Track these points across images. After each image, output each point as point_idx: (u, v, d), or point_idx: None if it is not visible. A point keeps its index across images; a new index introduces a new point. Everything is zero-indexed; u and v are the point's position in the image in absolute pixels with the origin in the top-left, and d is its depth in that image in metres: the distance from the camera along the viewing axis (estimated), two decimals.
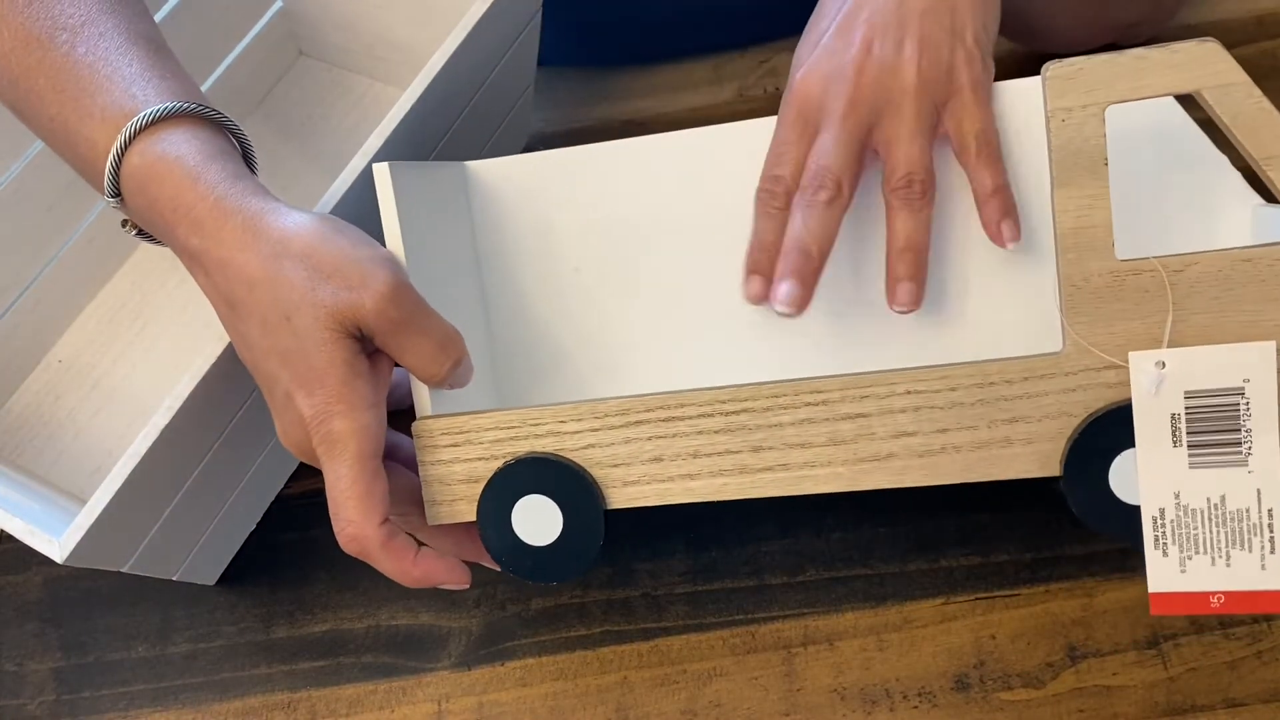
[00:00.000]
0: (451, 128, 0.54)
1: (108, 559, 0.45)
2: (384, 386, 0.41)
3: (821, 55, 0.44)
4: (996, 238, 0.44)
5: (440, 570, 0.42)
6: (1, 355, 0.59)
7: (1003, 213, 0.44)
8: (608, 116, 0.66)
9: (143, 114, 0.40)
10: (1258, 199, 0.45)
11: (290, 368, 0.39)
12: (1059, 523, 0.51)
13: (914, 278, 0.44)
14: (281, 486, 0.57)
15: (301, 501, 0.56)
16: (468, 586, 0.43)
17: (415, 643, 0.52)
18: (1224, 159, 0.45)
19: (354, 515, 0.39)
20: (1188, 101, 0.40)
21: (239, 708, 0.52)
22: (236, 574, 0.55)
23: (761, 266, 0.45)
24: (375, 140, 0.48)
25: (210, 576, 0.54)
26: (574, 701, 0.50)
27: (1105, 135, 0.37)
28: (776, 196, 0.45)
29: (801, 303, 0.43)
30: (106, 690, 0.53)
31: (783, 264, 0.43)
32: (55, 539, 0.42)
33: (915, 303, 0.44)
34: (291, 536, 0.56)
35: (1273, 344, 0.37)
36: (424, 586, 0.42)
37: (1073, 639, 0.48)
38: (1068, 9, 0.56)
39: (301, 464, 0.57)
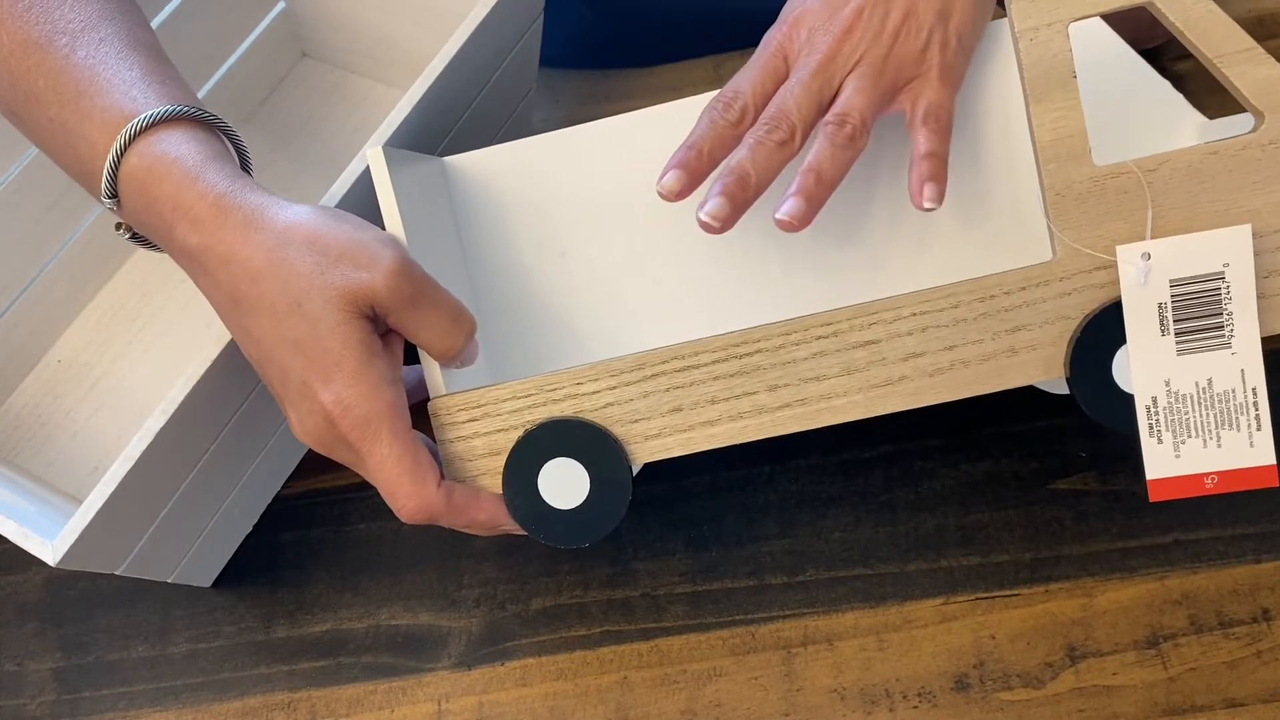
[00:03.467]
0: (453, 129, 0.54)
1: (101, 562, 0.44)
2: (398, 365, 0.42)
3: (817, 5, 0.46)
4: (916, 196, 0.44)
5: (502, 510, 0.43)
6: (0, 355, 0.59)
7: (930, 175, 0.44)
8: (608, 116, 0.66)
9: (143, 116, 0.40)
10: (1201, 116, 0.47)
11: (304, 356, 0.39)
12: (1059, 523, 0.51)
13: (810, 199, 0.43)
14: (279, 488, 0.57)
15: (301, 502, 0.56)
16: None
17: (415, 643, 0.52)
18: (1166, 83, 0.47)
19: (411, 488, 0.40)
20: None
21: (239, 708, 0.52)
22: (236, 574, 0.55)
23: (689, 165, 0.44)
24: (376, 142, 0.48)
25: (206, 579, 0.54)
26: (574, 701, 0.50)
27: (1071, 50, 0.39)
28: (731, 110, 0.45)
29: (728, 221, 0.43)
30: (106, 690, 0.53)
31: (720, 181, 0.43)
32: (49, 541, 0.42)
33: (800, 220, 0.43)
34: (291, 536, 0.56)
35: (1248, 227, 0.39)
36: (493, 533, 0.43)
37: (1073, 639, 0.48)
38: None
39: (300, 465, 0.57)
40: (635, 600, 0.52)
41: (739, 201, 0.43)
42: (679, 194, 0.44)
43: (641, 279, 0.50)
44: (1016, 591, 0.50)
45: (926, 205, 0.44)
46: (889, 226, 0.48)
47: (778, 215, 0.42)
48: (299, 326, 0.39)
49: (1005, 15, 0.46)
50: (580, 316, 0.51)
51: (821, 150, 0.44)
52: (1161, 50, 0.61)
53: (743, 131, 0.45)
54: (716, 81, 0.67)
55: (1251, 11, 0.62)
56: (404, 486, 0.40)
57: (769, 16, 0.52)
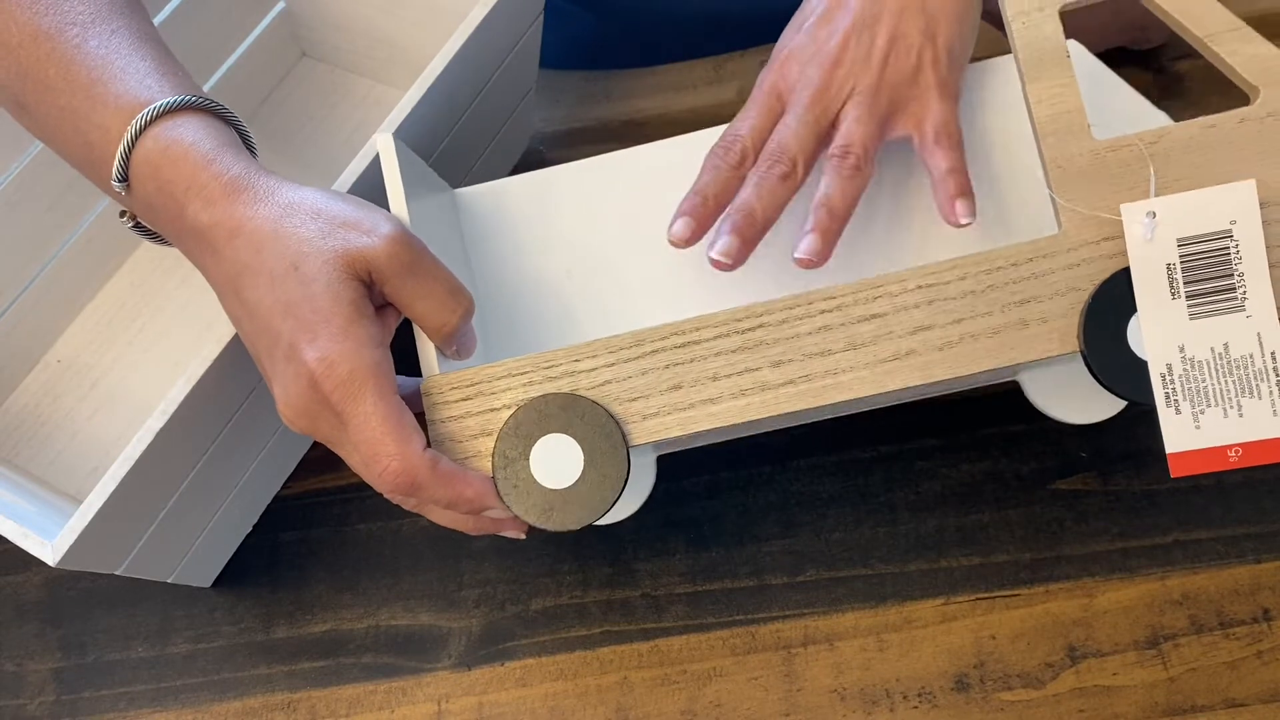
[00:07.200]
0: (453, 129, 0.54)
1: (101, 562, 0.44)
2: (389, 334, 0.41)
3: (804, 40, 0.47)
4: (950, 215, 0.44)
5: (490, 489, 0.41)
6: (0, 354, 0.59)
7: (958, 190, 0.44)
8: (609, 116, 0.66)
9: (159, 103, 0.40)
10: (1162, 115, 0.47)
11: (295, 317, 0.38)
12: (1059, 523, 0.51)
13: (825, 233, 0.44)
14: (279, 488, 0.57)
15: (301, 502, 0.56)
16: (516, 522, 0.42)
17: (415, 643, 0.52)
18: (1122, 82, 0.48)
19: (394, 448, 0.38)
20: None
21: (239, 708, 0.52)
22: (236, 574, 0.55)
23: (696, 212, 0.45)
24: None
25: (205, 579, 0.54)
26: (574, 701, 0.50)
27: (1063, 33, 0.41)
28: (731, 153, 0.46)
29: (739, 258, 0.44)
30: (106, 690, 0.53)
31: (728, 220, 0.44)
32: (49, 541, 0.42)
33: (818, 257, 0.44)
34: (291, 536, 0.56)
35: (1253, 182, 0.39)
36: (480, 524, 0.42)
37: (1073, 639, 0.48)
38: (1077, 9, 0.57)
39: (300, 464, 0.57)
40: (635, 600, 0.52)
41: (748, 237, 0.44)
42: (688, 240, 0.46)
43: (653, 298, 0.50)
44: (1016, 591, 0.50)
45: (963, 221, 0.44)
46: (891, 225, 0.48)
47: (797, 255, 0.44)
48: (294, 289, 0.38)
49: (995, 21, 0.47)
50: (585, 328, 0.50)
51: (830, 184, 0.45)
52: (1161, 51, 0.61)
53: (745, 173, 0.46)
54: (717, 82, 0.67)
55: (1251, 11, 0.62)
56: (387, 446, 0.38)
57: (768, 17, 0.52)
